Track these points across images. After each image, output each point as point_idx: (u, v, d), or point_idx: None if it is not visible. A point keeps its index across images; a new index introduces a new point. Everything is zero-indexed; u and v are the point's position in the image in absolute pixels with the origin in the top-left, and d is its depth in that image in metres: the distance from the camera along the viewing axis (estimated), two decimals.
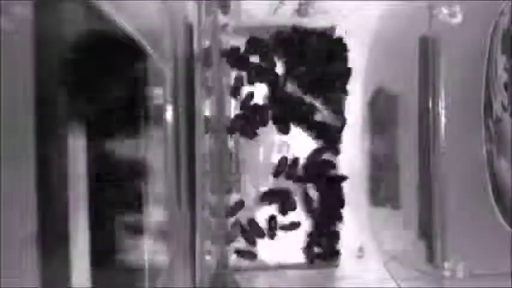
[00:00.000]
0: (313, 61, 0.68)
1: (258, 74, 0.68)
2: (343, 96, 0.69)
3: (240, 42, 0.68)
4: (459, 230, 0.58)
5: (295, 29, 0.68)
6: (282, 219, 0.68)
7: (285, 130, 0.69)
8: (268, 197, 0.68)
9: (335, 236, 0.69)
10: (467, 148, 0.60)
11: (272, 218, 0.68)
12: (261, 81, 0.68)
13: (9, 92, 0.21)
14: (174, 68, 0.57)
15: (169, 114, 0.55)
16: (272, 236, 0.68)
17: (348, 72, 0.69)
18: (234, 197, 0.68)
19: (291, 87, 0.68)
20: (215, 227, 0.64)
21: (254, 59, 0.68)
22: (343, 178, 0.69)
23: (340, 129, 0.69)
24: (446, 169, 0.58)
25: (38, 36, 0.23)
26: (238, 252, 0.68)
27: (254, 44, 0.68)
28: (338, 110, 0.69)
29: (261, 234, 0.67)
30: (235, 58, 0.67)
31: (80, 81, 0.30)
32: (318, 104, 0.68)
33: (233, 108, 0.69)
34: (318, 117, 0.68)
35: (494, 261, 0.57)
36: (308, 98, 0.68)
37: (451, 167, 0.58)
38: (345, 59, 0.70)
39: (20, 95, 0.22)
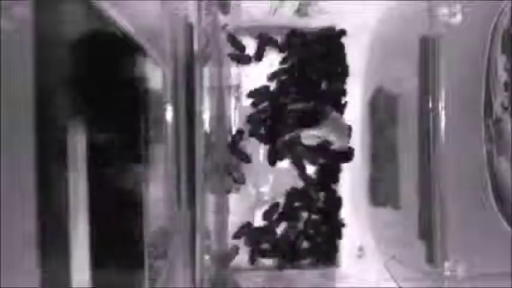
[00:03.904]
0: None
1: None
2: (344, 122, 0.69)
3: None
4: (459, 230, 0.58)
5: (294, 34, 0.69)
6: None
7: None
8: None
9: None
10: (467, 148, 0.60)
11: (254, 243, 0.68)
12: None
13: (9, 92, 0.21)
14: (174, 68, 0.57)
15: (169, 114, 0.55)
16: (252, 262, 0.68)
17: (344, 75, 0.70)
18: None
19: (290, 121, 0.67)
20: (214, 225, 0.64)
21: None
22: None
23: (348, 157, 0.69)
24: (446, 169, 0.58)
25: (38, 36, 0.23)
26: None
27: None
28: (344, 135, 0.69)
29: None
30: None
31: (80, 81, 0.30)
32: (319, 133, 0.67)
33: (233, 107, 0.69)
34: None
35: (494, 261, 0.57)
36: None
37: (451, 167, 0.58)
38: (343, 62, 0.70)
39: (20, 95, 0.22)
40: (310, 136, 0.66)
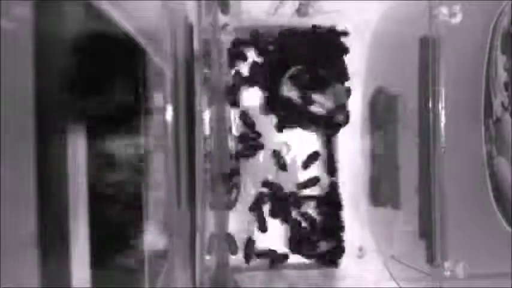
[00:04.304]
0: (312, 59, 0.68)
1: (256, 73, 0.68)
2: (344, 91, 0.69)
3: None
4: (459, 230, 0.58)
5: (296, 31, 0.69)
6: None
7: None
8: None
9: None
10: (467, 148, 0.60)
11: (249, 242, 0.68)
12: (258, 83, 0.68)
13: (9, 91, 0.21)
14: (174, 68, 0.57)
15: (169, 114, 0.55)
16: (248, 260, 0.68)
17: (345, 72, 0.70)
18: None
19: (288, 90, 0.67)
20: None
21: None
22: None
23: (343, 124, 0.69)
24: (446, 169, 0.58)
25: (38, 36, 0.23)
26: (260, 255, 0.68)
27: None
28: (341, 105, 0.68)
29: (234, 251, 0.67)
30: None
31: (80, 81, 0.30)
32: (319, 98, 0.67)
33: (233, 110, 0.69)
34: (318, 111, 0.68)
35: (494, 261, 0.57)
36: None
37: (451, 167, 0.58)
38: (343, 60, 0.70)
39: (20, 94, 0.22)
40: (317, 102, 0.66)
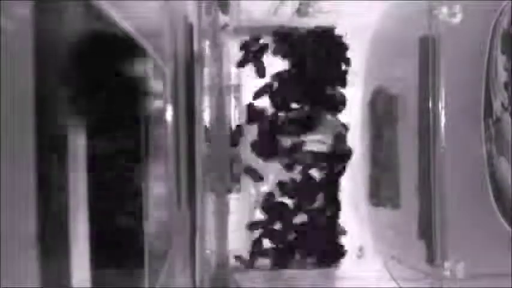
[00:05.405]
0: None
1: None
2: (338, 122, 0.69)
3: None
4: (459, 230, 0.58)
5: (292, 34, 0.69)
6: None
7: None
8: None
9: None
10: (467, 148, 0.60)
11: (257, 242, 0.67)
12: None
13: (9, 91, 0.21)
14: (174, 68, 0.57)
15: (169, 114, 0.55)
16: (253, 261, 0.67)
17: (344, 80, 0.70)
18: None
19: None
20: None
21: None
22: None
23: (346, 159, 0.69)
24: (446, 169, 0.58)
25: (38, 36, 0.23)
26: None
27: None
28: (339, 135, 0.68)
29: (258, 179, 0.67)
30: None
31: (80, 81, 0.30)
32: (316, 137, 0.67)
33: (233, 108, 0.69)
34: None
35: (494, 261, 0.57)
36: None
37: (451, 167, 0.58)
38: (345, 61, 0.70)
39: (20, 95, 0.22)
40: (314, 141, 0.66)
